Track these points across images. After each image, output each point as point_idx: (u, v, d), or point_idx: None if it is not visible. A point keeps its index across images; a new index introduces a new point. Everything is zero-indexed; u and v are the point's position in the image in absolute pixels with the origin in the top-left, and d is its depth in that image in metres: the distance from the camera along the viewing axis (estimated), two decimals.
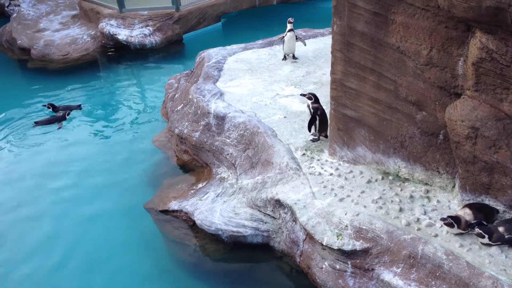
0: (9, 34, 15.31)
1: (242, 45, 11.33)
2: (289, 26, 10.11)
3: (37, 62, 14.24)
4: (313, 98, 7.58)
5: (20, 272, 7.26)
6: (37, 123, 11.10)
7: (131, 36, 14.21)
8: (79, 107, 11.61)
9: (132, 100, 12.41)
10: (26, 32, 15.13)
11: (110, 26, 14.45)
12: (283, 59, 10.47)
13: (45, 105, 11.45)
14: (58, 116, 11.26)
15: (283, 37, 10.26)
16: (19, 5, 17.15)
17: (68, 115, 11.27)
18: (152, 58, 14.44)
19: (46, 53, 14.20)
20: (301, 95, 7.92)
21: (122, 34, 14.26)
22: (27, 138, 10.69)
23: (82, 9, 15.94)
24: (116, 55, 14.58)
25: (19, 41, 14.70)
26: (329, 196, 6.50)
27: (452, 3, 4.79)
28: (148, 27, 14.43)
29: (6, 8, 17.53)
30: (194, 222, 7.37)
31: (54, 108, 11.37)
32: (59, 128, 10.91)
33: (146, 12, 14.76)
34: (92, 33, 14.87)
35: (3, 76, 14.08)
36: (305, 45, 10.54)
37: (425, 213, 5.93)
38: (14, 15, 16.44)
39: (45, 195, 8.86)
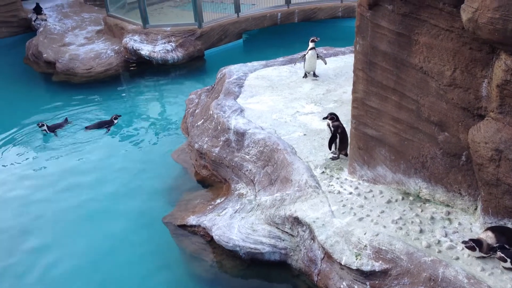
0: (35, 48, 15.70)
1: (263, 62, 11.42)
2: (311, 45, 10.18)
3: (62, 75, 14.56)
4: (335, 117, 7.59)
5: (34, 281, 7.35)
6: (87, 128, 11.55)
7: (154, 52, 14.44)
8: (66, 121, 11.86)
9: (153, 114, 12.56)
10: (51, 46, 15.50)
11: (134, 42, 14.73)
12: (303, 77, 10.52)
13: (38, 124, 11.51)
14: (106, 120, 11.72)
15: (305, 55, 10.33)
16: (45, 20, 17.62)
17: (115, 119, 11.65)
18: (173, 74, 14.63)
19: (70, 67, 14.50)
20: (323, 119, 7.86)
21: (145, 49, 14.50)
22: (47, 149, 10.90)
23: (107, 24, 16.29)
24: (138, 70, 14.82)
25: (45, 55, 15.05)
26: (348, 215, 6.46)
27: (477, 25, 4.78)
28: (170, 43, 14.65)
29: (33, 23, 18.01)
30: (211, 237, 7.37)
31: (48, 128, 11.46)
32: (108, 131, 11.40)
33: (169, 28, 15.01)
34: (116, 48, 15.16)
35: (28, 89, 14.40)
36: (325, 63, 10.58)
37: (446, 235, 5.85)
38: (41, 29, 16.89)
39: (63, 205, 8.97)
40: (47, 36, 16.22)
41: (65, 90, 13.98)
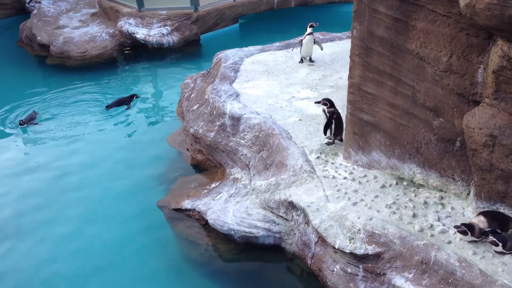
0: (29, 30, 15.54)
1: (259, 47, 11.38)
2: (309, 30, 10.15)
3: (56, 58, 14.45)
4: (328, 103, 7.59)
5: (34, 264, 7.40)
6: (108, 107, 11.63)
7: (149, 35, 14.34)
8: (35, 113, 11.36)
9: (148, 98, 12.52)
10: (46, 29, 15.35)
11: (129, 25, 14.60)
12: (299, 62, 10.50)
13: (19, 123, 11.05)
14: (126, 97, 11.88)
15: (302, 40, 10.29)
16: (39, 2, 17.39)
17: (136, 97, 11.93)
18: (169, 58, 14.55)
19: (65, 50, 14.40)
20: (315, 103, 7.89)
21: (140, 33, 14.39)
22: (41, 133, 10.84)
23: (102, 7, 16.13)
24: (133, 53, 14.72)
25: (39, 37, 14.91)
26: (343, 200, 6.50)
27: (474, 10, 4.78)
28: (166, 27, 14.55)
29: (27, 5, 17.80)
30: (206, 221, 7.42)
31: (25, 123, 10.99)
32: (128, 108, 11.60)
33: (164, 12, 14.89)
34: (111, 31, 15.03)
35: (22, 72, 14.29)
36: (321, 49, 10.56)
37: (438, 220, 5.91)
38: (35, 11, 16.69)
39: (57, 188, 8.99)
40: (41, 18, 16.04)
41: (59, 73, 13.89)
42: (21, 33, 15.97)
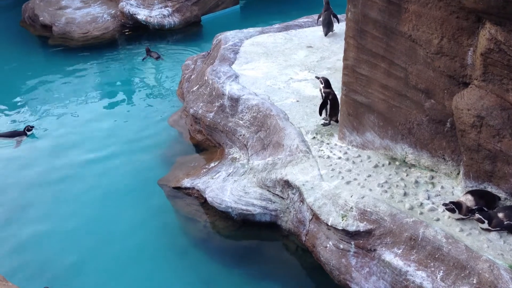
0: (32, 11, 15.61)
1: (259, 28, 11.45)
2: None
3: (58, 39, 14.56)
4: (324, 82, 7.73)
5: (36, 243, 7.62)
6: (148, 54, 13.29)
7: (150, 16, 14.41)
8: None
9: (149, 79, 12.67)
10: (48, 9, 15.41)
11: (130, 6, 14.66)
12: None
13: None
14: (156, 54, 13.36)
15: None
16: None
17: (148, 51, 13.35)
18: (170, 39, 14.63)
19: (67, 31, 14.50)
20: (316, 77, 8.12)
21: (142, 14, 14.46)
22: (44, 114, 11.03)
23: None
24: (135, 34, 14.80)
25: (41, 18, 15.00)
26: (337, 179, 6.69)
27: None
28: (167, 8, 14.60)
29: None
30: (205, 199, 7.64)
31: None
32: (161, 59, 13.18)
33: None
34: (112, 12, 15.08)
35: (24, 52, 14.43)
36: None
37: (428, 198, 6.10)
38: None
39: (62, 169, 9.19)
40: None
41: (61, 53, 14.02)
42: (24, 13, 16.04)
